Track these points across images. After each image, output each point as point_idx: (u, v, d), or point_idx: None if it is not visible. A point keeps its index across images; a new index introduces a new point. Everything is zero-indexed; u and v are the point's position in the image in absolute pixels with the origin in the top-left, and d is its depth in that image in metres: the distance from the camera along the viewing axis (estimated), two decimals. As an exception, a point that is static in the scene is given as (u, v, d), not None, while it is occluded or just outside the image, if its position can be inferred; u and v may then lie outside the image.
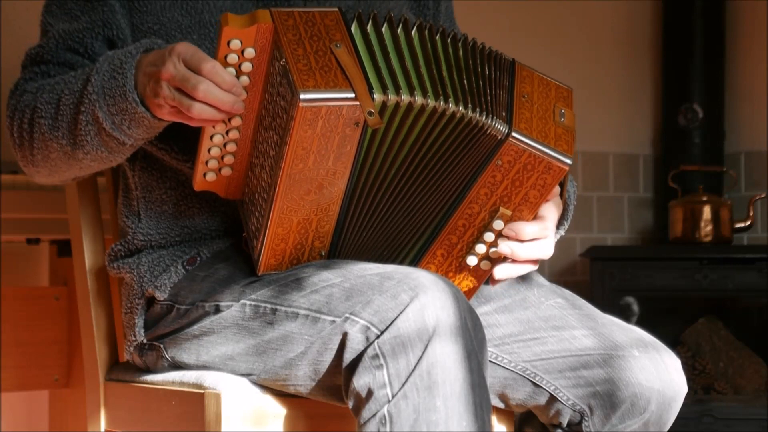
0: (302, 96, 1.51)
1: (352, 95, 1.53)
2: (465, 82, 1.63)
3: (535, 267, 1.72)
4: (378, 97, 1.56)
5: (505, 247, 1.68)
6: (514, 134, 1.61)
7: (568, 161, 1.63)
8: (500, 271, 1.70)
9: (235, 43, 1.56)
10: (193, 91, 1.55)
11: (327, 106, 1.53)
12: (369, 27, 1.62)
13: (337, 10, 1.60)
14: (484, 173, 1.64)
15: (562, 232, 1.80)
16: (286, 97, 1.54)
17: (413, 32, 1.64)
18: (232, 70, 1.57)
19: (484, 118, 1.61)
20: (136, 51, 1.64)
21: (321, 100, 1.52)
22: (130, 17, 1.78)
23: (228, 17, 1.54)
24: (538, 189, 1.65)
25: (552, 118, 1.66)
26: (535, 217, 1.70)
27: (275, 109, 1.58)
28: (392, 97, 1.57)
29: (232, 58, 1.57)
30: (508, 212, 1.67)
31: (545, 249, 1.70)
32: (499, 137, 1.62)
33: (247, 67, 1.58)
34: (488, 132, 1.62)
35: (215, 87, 1.55)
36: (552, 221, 1.71)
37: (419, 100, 1.58)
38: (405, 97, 1.57)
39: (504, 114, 1.63)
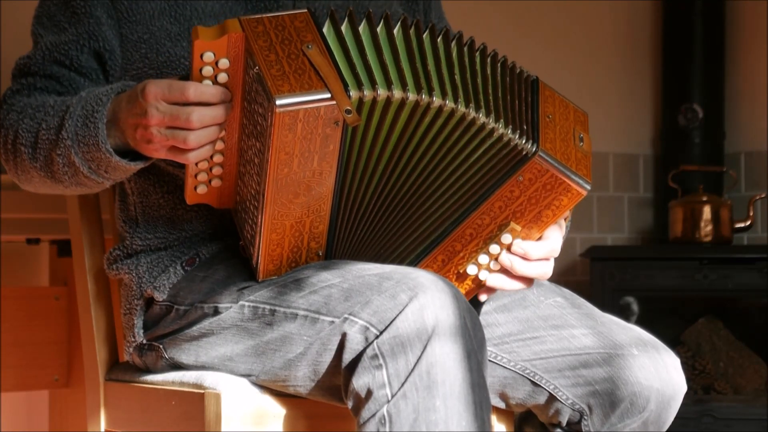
0: (278, 102, 1.51)
1: (328, 95, 1.53)
2: (456, 78, 1.61)
3: (528, 285, 1.71)
4: (354, 93, 1.55)
5: (506, 259, 1.68)
6: (540, 153, 1.61)
7: (588, 186, 1.64)
8: (493, 279, 1.70)
9: (208, 56, 1.55)
10: (187, 123, 1.55)
11: (304, 108, 1.52)
12: (344, 25, 1.60)
13: (305, 11, 1.59)
14: (503, 187, 1.64)
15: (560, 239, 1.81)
16: (263, 104, 1.54)
17: (396, 28, 1.62)
18: (208, 82, 1.57)
19: (510, 132, 1.60)
20: (107, 98, 1.64)
21: (297, 104, 1.52)
22: (118, 28, 1.77)
23: (198, 30, 1.54)
24: (552, 209, 1.65)
25: (572, 141, 1.66)
26: (541, 238, 1.70)
27: (255, 116, 1.57)
28: (368, 93, 1.56)
29: (207, 70, 1.56)
30: (518, 227, 1.67)
31: (545, 270, 1.70)
32: (526, 154, 1.61)
33: (223, 77, 1.58)
34: (514, 146, 1.61)
35: (205, 108, 1.55)
36: (558, 245, 1.71)
37: (398, 94, 1.57)
38: (382, 92, 1.56)
39: (526, 128, 1.62)
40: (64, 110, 1.67)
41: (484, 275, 1.70)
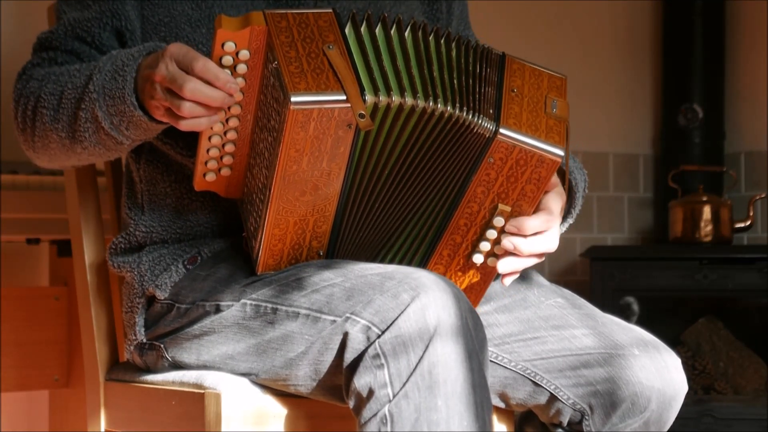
0: (293, 99, 1.52)
1: (344, 97, 1.53)
2: (455, 81, 1.63)
3: (540, 260, 1.71)
4: (369, 98, 1.56)
5: (507, 242, 1.67)
6: (502, 131, 1.62)
7: (561, 152, 1.63)
8: (504, 265, 1.69)
9: (229, 45, 1.56)
10: (180, 90, 1.55)
11: (318, 108, 1.53)
12: (363, 28, 1.62)
13: (330, 11, 1.60)
14: (477, 172, 1.65)
15: (570, 221, 1.80)
16: (278, 99, 1.55)
17: (406, 33, 1.64)
18: (227, 71, 1.57)
19: (471, 116, 1.61)
20: (138, 54, 1.64)
21: (312, 103, 1.52)
22: (140, 9, 1.79)
23: (222, 19, 1.55)
24: (534, 183, 1.65)
25: (543, 110, 1.66)
26: (537, 209, 1.69)
27: (269, 110, 1.58)
28: (383, 99, 1.57)
29: (227, 60, 1.57)
30: (507, 208, 1.67)
31: (550, 241, 1.69)
32: (488, 135, 1.62)
33: (242, 68, 1.58)
34: (476, 131, 1.62)
35: (203, 85, 1.55)
36: (556, 212, 1.70)
37: (410, 101, 1.58)
38: (396, 99, 1.58)
39: (492, 111, 1.63)
40: (91, 68, 1.68)
41: (492, 262, 1.71)
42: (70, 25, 1.79)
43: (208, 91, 1.55)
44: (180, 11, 1.78)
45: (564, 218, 1.78)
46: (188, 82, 1.54)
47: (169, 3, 1.78)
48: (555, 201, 1.71)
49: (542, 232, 1.69)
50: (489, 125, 1.62)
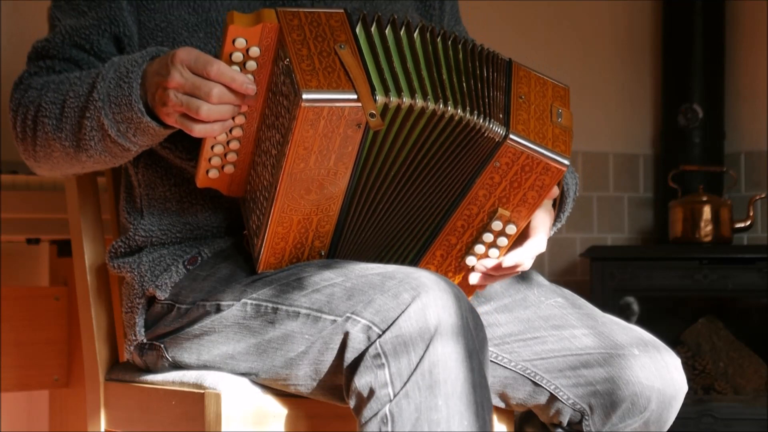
0: (305, 96, 1.52)
1: (355, 96, 1.54)
2: (464, 84, 1.63)
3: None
4: (380, 98, 1.56)
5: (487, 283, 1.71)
6: (511, 136, 1.62)
7: (566, 162, 1.64)
8: (474, 278, 1.73)
9: (240, 42, 1.56)
10: (207, 97, 1.55)
11: (329, 106, 1.53)
12: (373, 29, 1.62)
13: (342, 11, 1.61)
14: (482, 175, 1.65)
15: (558, 225, 1.81)
16: (289, 96, 1.55)
17: (415, 34, 1.64)
18: (236, 68, 1.58)
19: (481, 120, 1.62)
20: (142, 60, 1.64)
21: (323, 101, 1.53)
22: (137, 14, 1.78)
23: (234, 15, 1.55)
24: (536, 190, 1.66)
25: (549, 119, 1.66)
26: (528, 227, 1.70)
27: (278, 108, 1.58)
28: (394, 99, 1.57)
29: (237, 56, 1.57)
30: (507, 213, 1.67)
31: (525, 264, 1.72)
32: (497, 139, 1.62)
33: (251, 65, 1.58)
34: (486, 134, 1.62)
35: (226, 90, 1.56)
36: (546, 233, 1.72)
37: (420, 102, 1.58)
38: (406, 100, 1.58)
39: (501, 116, 1.63)
40: (94, 76, 1.68)
41: (481, 266, 1.71)
42: (67, 32, 1.78)
43: (232, 96, 1.57)
44: (177, 16, 1.77)
45: (553, 223, 1.80)
46: (215, 89, 1.55)
47: (165, 8, 1.77)
48: (544, 220, 1.73)
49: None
50: (499, 129, 1.62)
